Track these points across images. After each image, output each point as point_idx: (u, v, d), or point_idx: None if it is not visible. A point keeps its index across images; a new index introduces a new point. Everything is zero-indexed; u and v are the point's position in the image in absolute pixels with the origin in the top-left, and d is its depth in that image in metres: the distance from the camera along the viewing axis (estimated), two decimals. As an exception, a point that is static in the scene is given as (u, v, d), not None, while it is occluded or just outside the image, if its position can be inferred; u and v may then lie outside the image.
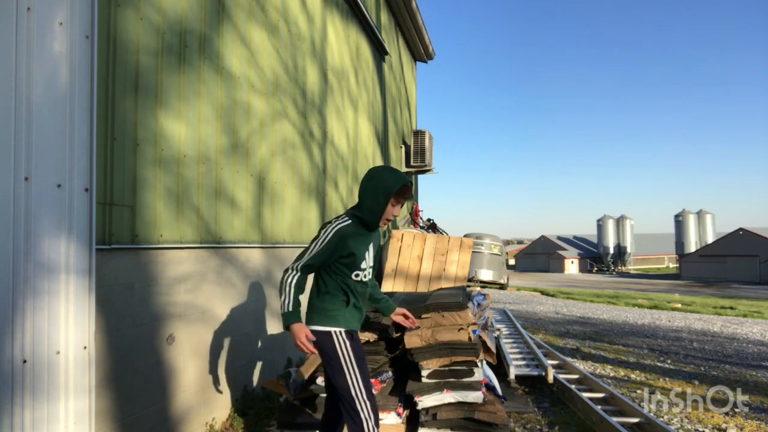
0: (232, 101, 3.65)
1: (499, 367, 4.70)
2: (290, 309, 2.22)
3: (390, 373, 3.44)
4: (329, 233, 2.26)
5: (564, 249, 60.49)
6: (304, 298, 2.32)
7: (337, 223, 2.28)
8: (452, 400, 3.14)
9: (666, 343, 7.64)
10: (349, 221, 2.29)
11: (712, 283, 36.62)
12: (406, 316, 2.83)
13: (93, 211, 2.19)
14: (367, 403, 2.23)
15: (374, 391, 2.41)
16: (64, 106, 2.09)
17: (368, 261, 2.38)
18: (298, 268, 2.26)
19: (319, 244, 2.26)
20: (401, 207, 2.35)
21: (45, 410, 2.00)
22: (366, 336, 3.33)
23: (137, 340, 2.68)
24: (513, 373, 4.52)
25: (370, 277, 2.43)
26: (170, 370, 2.94)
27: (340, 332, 2.28)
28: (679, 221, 51.35)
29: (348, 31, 6.60)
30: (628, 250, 56.34)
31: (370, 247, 2.39)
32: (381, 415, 3.12)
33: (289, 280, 2.25)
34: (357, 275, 2.33)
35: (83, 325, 2.14)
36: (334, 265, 2.30)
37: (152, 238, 2.80)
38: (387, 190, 2.25)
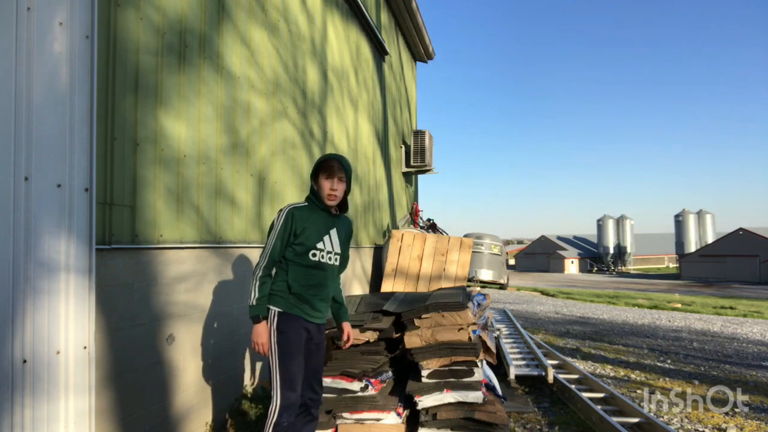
0: (232, 101, 3.65)
1: (499, 367, 4.70)
2: (254, 303, 2.39)
3: (390, 373, 3.45)
4: (282, 216, 2.44)
5: (564, 249, 60.48)
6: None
7: (288, 206, 2.48)
8: (452, 400, 3.14)
9: (666, 343, 7.64)
10: (302, 204, 2.52)
11: (712, 283, 36.61)
12: (348, 337, 2.83)
13: (93, 211, 2.19)
14: (283, 396, 2.34)
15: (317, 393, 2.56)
16: (64, 106, 2.09)
17: (330, 244, 2.51)
18: (262, 267, 2.40)
19: (275, 230, 2.42)
20: (339, 182, 2.48)
21: (45, 409, 1.99)
22: (366, 336, 3.33)
23: (137, 340, 2.68)
24: (513, 373, 4.52)
25: (335, 263, 2.55)
26: (170, 370, 2.94)
27: (276, 312, 2.42)
28: (679, 221, 51.34)
29: (348, 31, 6.60)
30: (628, 250, 56.33)
31: (333, 232, 2.54)
32: (381, 415, 3.12)
33: (257, 274, 2.41)
34: (314, 254, 2.45)
35: (83, 324, 2.14)
36: (290, 248, 2.44)
37: (152, 237, 2.80)
38: (314, 169, 2.51)
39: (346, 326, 2.81)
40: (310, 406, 2.53)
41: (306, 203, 2.52)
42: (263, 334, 2.40)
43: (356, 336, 3.32)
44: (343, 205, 2.60)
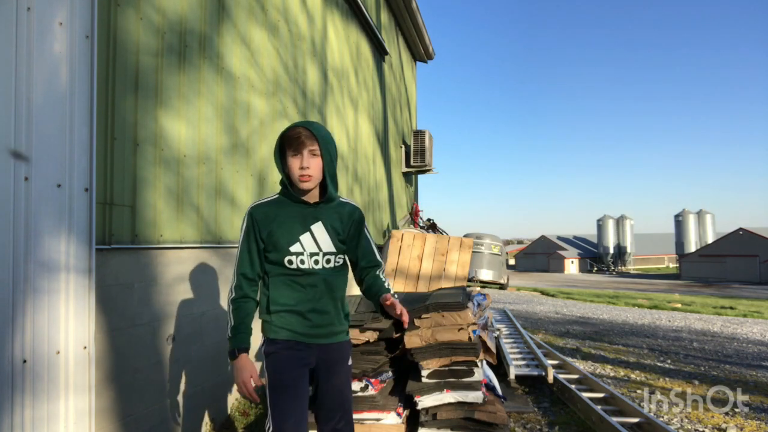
0: (232, 101, 3.65)
1: (499, 367, 4.70)
2: (229, 333, 1.88)
3: (390, 373, 3.45)
4: (244, 221, 1.89)
5: (564, 249, 60.54)
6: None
7: (252, 205, 1.92)
8: (452, 400, 3.14)
9: (666, 343, 7.64)
10: (269, 198, 1.93)
11: (712, 283, 36.63)
12: (398, 310, 2.06)
13: (93, 211, 2.19)
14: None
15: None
16: (64, 106, 2.09)
17: (313, 244, 1.88)
18: (233, 287, 1.91)
19: (240, 239, 1.90)
20: (311, 156, 1.80)
21: (45, 409, 2.00)
22: (366, 336, 3.33)
23: (137, 340, 2.68)
24: (513, 373, 4.52)
25: (327, 265, 1.91)
26: (170, 370, 2.94)
27: (263, 337, 1.94)
28: (679, 221, 51.43)
29: (348, 31, 6.60)
30: (628, 250, 56.39)
31: (317, 227, 1.89)
32: (381, 415, 3.12)
33: (229, 298, 1.92)
34: (290, 261, 1.85)
35: (83, 324, 2.14)
36: (265, 256, 1.91)
37: (152, 238, 2.80)
38: (276, 148, 1.87)
39: (388, 298, 2.01)
40: None
41: (276, 196, 1.93)
42: (243, 370, 1.80)
43: (356, 336, 3.32)
44: (325, 188, 1.89)
